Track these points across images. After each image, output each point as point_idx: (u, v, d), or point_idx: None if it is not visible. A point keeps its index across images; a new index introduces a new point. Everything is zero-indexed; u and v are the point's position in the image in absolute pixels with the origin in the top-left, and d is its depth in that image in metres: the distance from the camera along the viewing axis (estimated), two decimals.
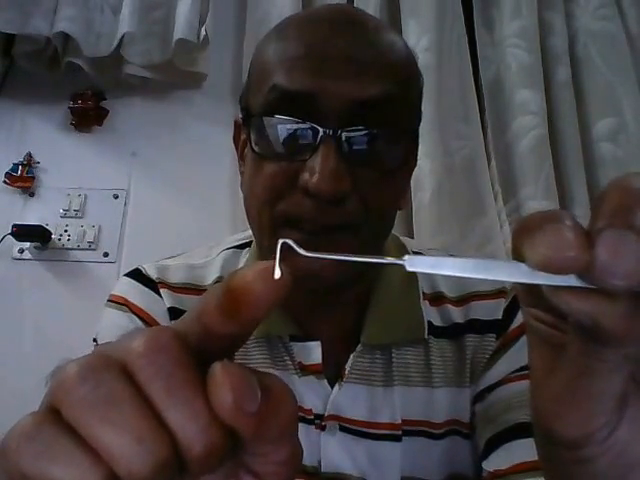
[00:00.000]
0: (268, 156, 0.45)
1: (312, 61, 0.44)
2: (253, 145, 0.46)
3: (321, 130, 0.42)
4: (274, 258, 0.20)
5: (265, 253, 0.51)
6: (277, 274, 0.19)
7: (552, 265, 0.20)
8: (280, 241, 0.21)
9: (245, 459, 0.22)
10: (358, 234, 0.46)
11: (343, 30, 0.45)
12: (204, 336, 0.20)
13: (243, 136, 0.52)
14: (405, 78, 0.47)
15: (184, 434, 0.19)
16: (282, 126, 0.44)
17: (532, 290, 0.23)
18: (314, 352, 0.53)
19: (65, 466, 0.19)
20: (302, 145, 0.43)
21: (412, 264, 0.22)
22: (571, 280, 0.20)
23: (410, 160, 0.52)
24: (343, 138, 0.43)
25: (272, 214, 0.45)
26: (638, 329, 0.21)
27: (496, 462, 0.50)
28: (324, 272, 0.45)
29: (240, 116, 0.52)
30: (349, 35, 0.45)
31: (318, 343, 0.53)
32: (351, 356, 0.54)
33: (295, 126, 0.43)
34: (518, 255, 0.21)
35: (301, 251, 0.21)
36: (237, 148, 0.55)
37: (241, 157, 0.54)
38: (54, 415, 0.19)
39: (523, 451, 0.47)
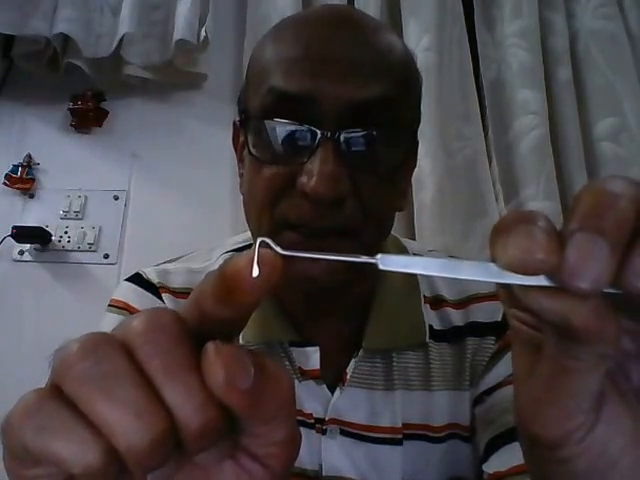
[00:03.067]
0: (266, 159, 0.45)
1: (309, 63, 0.43)
2: (251, 148, 0.46)
3: (319, 132, 0.42)
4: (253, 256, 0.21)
5: None
6: (255, 272, 0.20)
7: (521, 266, 0.20)
8: (258, 240, 0.21)
9: (243, 440, 0.22)
10: (357, 236, 0.46)
11: (341, 31, 0.45)
12: (201, 320, 0.21)
13: (242, 138, 0.52)
14: (403, 79, 0.47)
15: (181, 411, 0.19)
16: (280, 129, 0.44)
17: (511, 291, 0.23)
18: (312, 357, 0.53)
19: (66, 440, 0.19)
20: (300, 147, 0.43)
21: (385, 263, 0.22)
22: (540, 280, 0.21)
23: (410, 161, 0.52)
24: (341, 140, 0.42)
25: (271, 217, 0.45)
26: (609, 327, 0.21)
27: (496, 464, 0.49)
28: (321, 275, 0.44)
29: (238, 118, 0.51)
30: (347, 36, 0.45)
31: (316, 349, 0.53)
32: (352, 361, 0.53)
33: (293, 128, 0.43)
34: (492, 255, 0.21)
35: (278, 249, 0.22)
36: (236, 150, 0.55)
37: (240, 159, 0.53)
38: (55, 391, 0.20)
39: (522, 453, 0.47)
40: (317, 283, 0.45)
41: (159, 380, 0.20)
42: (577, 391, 0.23)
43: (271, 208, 0.45)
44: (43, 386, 0.21)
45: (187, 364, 0.20)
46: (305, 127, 0.43)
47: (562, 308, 0.21)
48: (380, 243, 0.51)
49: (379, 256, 0.22)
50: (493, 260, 0.21)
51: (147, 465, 0.19)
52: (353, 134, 0.43)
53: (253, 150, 0.46)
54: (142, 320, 0.20)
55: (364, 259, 0.22)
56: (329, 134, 0.42)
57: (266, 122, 0.44)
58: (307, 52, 0.44)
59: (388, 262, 0.22)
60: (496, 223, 0.22)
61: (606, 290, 0.20)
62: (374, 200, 0.45)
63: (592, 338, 0.21)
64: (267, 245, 0.21)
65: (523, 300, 0.22)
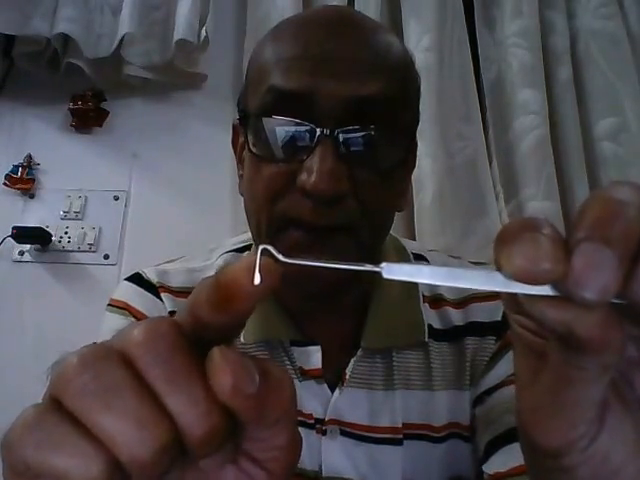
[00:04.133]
0: (266, 157, 0.45)
1: (308, 61, 0.44)
2: (251, 146, 0.46)
3: (318, 130, 0.42)
4: (255, 263, 0.21)
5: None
6: (257, 280, 0.20)
7: (526, 276, 0.20)
8: (260, 247, 0.21)
9: (245, 445, 0.23)
10: (356, 234, 0.46)
11: (340, 31, 0.45)
12: (198, 327, 0.21)
13: (241, 139, 0.52)
14: (402, 78, 0.47)
15: (184, 419, 0.19)
16: (279, 127, 0.44)
17: (515, 298, 0.23)
18: (314, 357, 0.53)
19: (67, 454, 0.19)
20: (299, 145, 0.43)
21: (389, 272, 0.22)
22: (546, 289, 0.20)
23: (409, 160, 0.52)
24: (340, 138, 0.43)
25: (271, 215, 0.45)
26: (614, 338, 0.21)
27: (496, 465, 0.49)
28: (321, 272, 0.44)
29: (237, 118, 0.51)
30: (346, 36, 0.45)
31: (318, 348, 0.53)
32: (352, 361, 0.53)
33: (292, 126, 0.43)
34: (497, 264, 0.21)
35: (280, 257, 0.22)
36: (235, 151, 0.55)
37: (239, 160, 0.54)
38: (55, 405, 0.20)
39: (522, 454, 0.47)
40: (318, 281, 0.45)
41: (160, 389, 0.20)
42: (581, 401, 0.23)
43: (271, 206, 0.45)
44: (42, 399, 0.21)
45: (188, 371, 0.20)
46: (304, 125, 0.43)
47: (567, 318, 0.20)
48: (379, 242, 0.51)
49: (383, 265, 0.22)
50: (498, 269, 0.21)
51: (151, 474, 0.19)
52: (352, 132, 0.43)
53: (253, 149, 0.46)
54: (141, 330, 0.20)
55: (368, 268, 0.22)
56: (328, 132, 0.42)
57: (265, 120, 0.44)
58: (306, 51, 0.44)
59: (393, 271, 0.22)
60: (500, 231, 0.22)
61: (612, 300, 0.20)
62: (373, 198, 0.45)
63: (597, 348, 0.21)
64: (268, 252, 0.21)
65: (528, 309, 0.22)
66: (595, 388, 0.23)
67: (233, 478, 0.23)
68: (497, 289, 0.21)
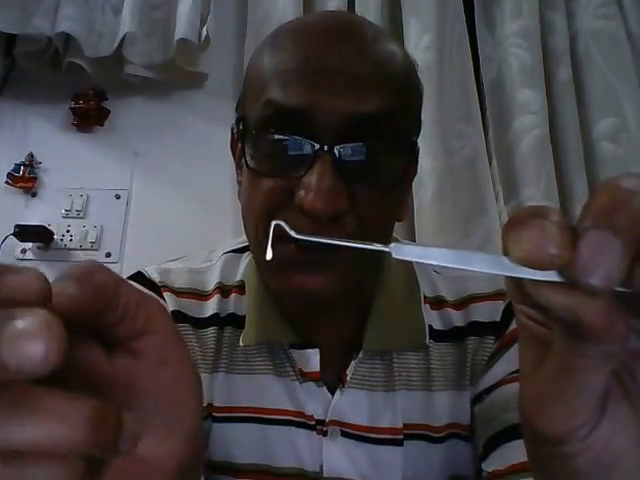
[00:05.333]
0: (263, 172, 0.44)
1: (307, 75, 0.42)
2: (248, 160, 0.45)
3: (317, 146, 0.41)
4: (268, 243, 0.21)
5: (261, 268, 0.51)
6: (269, 255, 0.20)
7: (533, 260, 0.20)
8: (273, 223, 0.21)
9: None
10: (355, 250, 0.45)
11: (340, 42, 0.44)
12: None
13: (239, 146, 0.52)
14: (404, 91, 0.46)
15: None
16: (277, 142, 0.43)
17: (521, 286, 0.23)
18: (313, 359, 0.53)
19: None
20: (298, 161, 0.42)
21: (398, 252, 0.22)
22: (552, 275, 0.21)
23: (410, 170, 0.51)
24: (339, 154, 0.42)
25: (268, 229, 0.45)
26: (618, 325, 0.21)
27: (494, 463, 0.50)
28: (318, 288, 0.44)
29: (236, 126, 0.50)
30: (346, 47, 0.43)
31: (316, 350, 0.53)
32: (352, 362, 0.54)
33: (290, 142, 0.42)
34: (505, 249, 0.22)
35: (292, 233, 0.22)
36: (234, 155, 0.54)
37: (238, 166, 0.53)
38: None
39: (520, 451, 0.47)
40: (314, 297, 0.45)
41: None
42: (583, 389, 0.24)
43: (268, 221, 0.44)
44: None
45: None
46: (303, 141, 0.42)
47: (572, 304, 0.21)
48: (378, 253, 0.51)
49: (392, 245, 0.22)
50: (505, 253, 0.21)
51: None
52: (351, 148, 0.42)
53: (250, 162, 0.45)
54: None
55: (377, 247, 0.23)
56: (327, 148, 0.41)
57: (263, 135, 0.43)
58: (305, 64, 0.43)
59: (402, 252, 0.22)
60: (510, 217, 0.22)
61: (617, 288, 0.20)
62: (372, 214, 0.44)
63: (601, 336, 0.21)
64: (281, 228, 0.22)
65: (533, 295, 0.22)
66: (597, 377, 0.23)
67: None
68: (504, 273, 0.22)
